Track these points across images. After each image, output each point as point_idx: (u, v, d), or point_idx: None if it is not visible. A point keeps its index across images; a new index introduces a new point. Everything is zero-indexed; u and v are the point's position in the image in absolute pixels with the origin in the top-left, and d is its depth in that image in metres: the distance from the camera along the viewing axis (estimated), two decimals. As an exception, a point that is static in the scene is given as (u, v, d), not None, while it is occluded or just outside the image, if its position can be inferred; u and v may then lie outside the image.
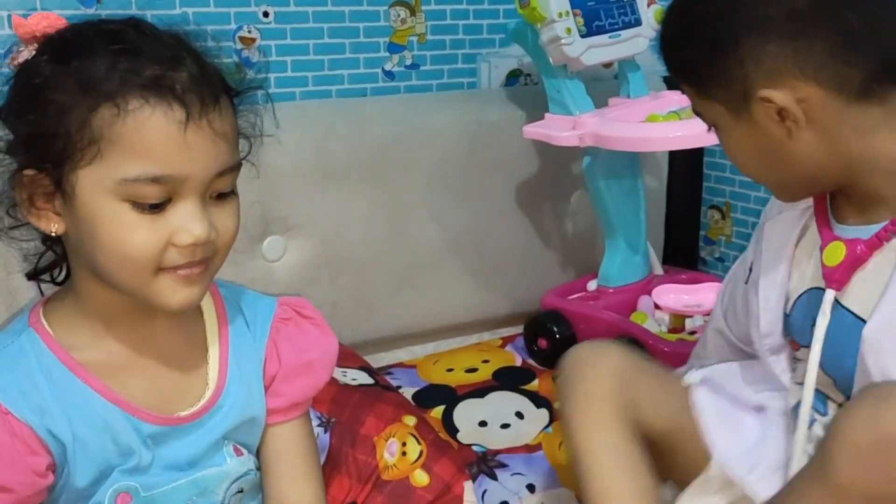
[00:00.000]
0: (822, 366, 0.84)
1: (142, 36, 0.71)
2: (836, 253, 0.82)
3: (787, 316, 0.90)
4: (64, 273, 0.81)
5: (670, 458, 0.99)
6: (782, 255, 0.89)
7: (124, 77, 0.67)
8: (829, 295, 0.82)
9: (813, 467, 0.78)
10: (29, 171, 0.70)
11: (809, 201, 0.88)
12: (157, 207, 0.69)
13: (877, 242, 0.79)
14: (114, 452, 0.76)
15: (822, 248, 0.84)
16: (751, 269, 0.95)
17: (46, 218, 0.72)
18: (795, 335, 0.89)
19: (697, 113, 0.88)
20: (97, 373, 0.75)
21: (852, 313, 0.81)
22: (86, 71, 0.68)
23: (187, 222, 0.70)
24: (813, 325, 0.84)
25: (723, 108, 0.82)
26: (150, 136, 0.68)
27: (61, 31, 0.73)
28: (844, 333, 0.81)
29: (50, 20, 0.72)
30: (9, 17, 1.29)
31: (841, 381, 0.84)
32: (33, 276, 0.82)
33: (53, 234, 0.72)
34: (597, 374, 0.97)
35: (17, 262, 0.81)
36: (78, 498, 0.76)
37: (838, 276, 0.81)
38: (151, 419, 0.77)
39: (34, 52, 0.71)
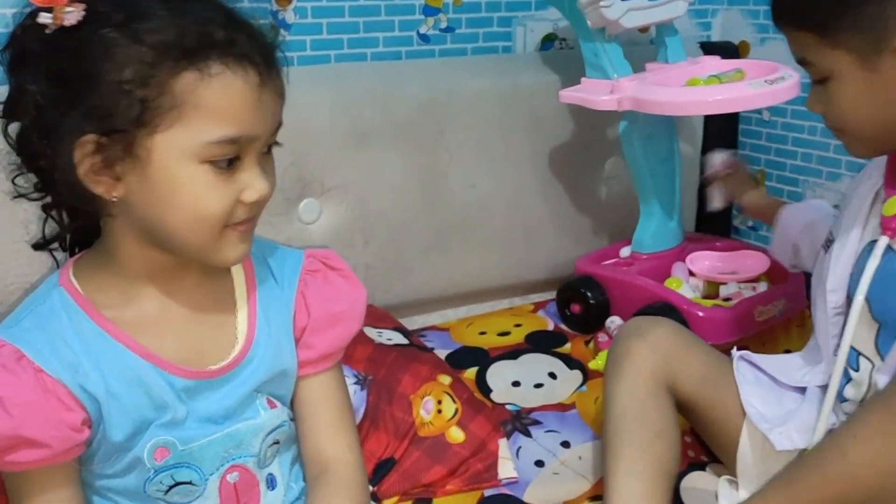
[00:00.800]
0: (870, 311, 0.89)
1: None
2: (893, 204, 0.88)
3: (851, 276, 0.93)
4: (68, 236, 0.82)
5: (707, 426, 1.06)
6: (856, 218, 0.94)
7: (200, 41, 0.68)
8: (883, 241, 0.88)
9: (830, 445, 0.83)
10: (92, 138, 0.69)
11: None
12: (230, 166, 0.71)
13: None
14: (148, 407, 0.77)
15: (884, 202, 0.90)
16: (830, 236, 1.00)
17: (105, 184, 0.71)
18: (852, 289, 0.92)
19: (805, 62, 0.88)
20: (128, 329, 0.77)
21: None
22: (157, 36, 0.68)
23: (254, 180, 0.73)
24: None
25: (849, 55, 0.83)
26: (232, 100, 0.69)
27: None
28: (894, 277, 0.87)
29: None
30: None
31: (888, 325, 0.88)
32: (40, 247, 0.83)
33: (113, 199, 0.72)
34: (642, 340, 1.04)
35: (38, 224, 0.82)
36: (116, 451, 0.78)
37: (894, 225, 0.87)
38: (183, 373, 0.79)
39: (83, 16, 0.69)
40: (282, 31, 0.78)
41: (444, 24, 1.60)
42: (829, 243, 0.99)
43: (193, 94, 0.68)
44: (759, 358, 1.06)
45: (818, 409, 0.95)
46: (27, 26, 0.72)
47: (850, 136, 0.90)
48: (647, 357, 1.03)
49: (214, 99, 0.69)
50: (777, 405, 1.00)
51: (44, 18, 0.69)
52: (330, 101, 1.40)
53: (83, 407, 0.74)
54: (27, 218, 1.18)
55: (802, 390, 1.01)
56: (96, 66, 0.68)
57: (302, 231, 1.43)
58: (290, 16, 1.45)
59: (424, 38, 1.59)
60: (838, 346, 0.93)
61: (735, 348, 1.08)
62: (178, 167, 0.70)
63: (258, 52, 0.71)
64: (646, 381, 1.01)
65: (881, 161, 0.96)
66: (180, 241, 0.74)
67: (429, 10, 1.58)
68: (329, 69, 1.47)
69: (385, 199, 1.48)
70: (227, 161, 0.71)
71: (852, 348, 0.91)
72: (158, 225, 0.73)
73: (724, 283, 1.47)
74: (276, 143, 0.77)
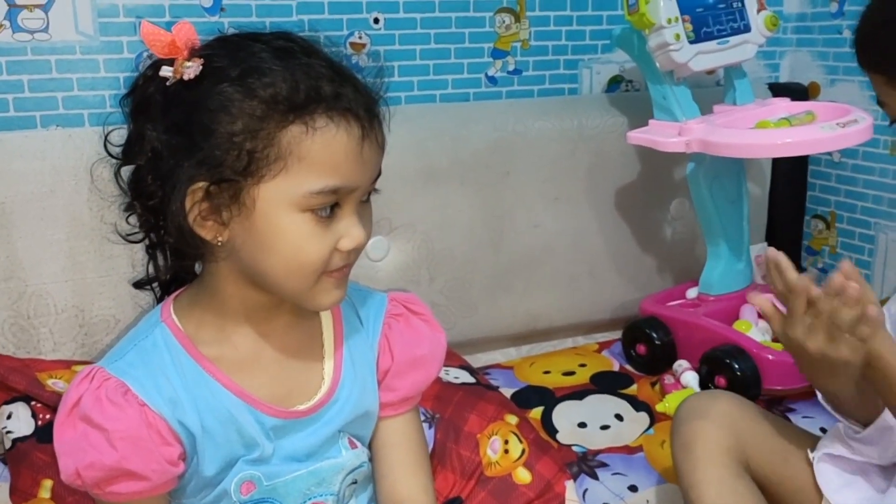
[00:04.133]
0: None
1: (303, 49, 0.74)
2: None
3: None
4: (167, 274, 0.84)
5: (777, 502, 1.02)
6: None
7: (308, 96, 0.71)
8: None
9: None
10: (202, 184, 0.72)
11: None
12: (329, 214, 0.74)
13: None
14: (238, 444, 0.79)
15: None
16: None
17: (211, 228, 0.74)
18: None
19: (882, 103, 0.94)
20: (223, 367, 0.79)
21: None
22: (269, 90, 0.71)
23: (351, 229, 0.75)
24: None
25: None
26: (335, 152, 0.72)
27: (216, 45, 0.75)
28: None
29: (190, 31, 0.74)
30: (135, 24, 1.36)
31: None
32: (141, 285, 0.85)
33: (218, 243, 0.75)
34: (709, 420, 1.01)
35: (144, 258, 0.84)
36: (206, 485, 0.80)
37: None
38: (273, 412, 0.80)
39: (201, 70, 0.72)
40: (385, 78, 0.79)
41: (511, 67, 1.63)
42: None
43: (298, 146, 0.71)
44: (839, 449, 0.99)
45: None
46: (149, 76, 0.75)
47: None
48: (718, 437, 0.99)
49: (318, 151, 0.71)
50: (864, 484, 0.97)
51: (165, 72, 0.73)
52: (399, 141, 1.39)
53: (180, 441, 0.76)
54: (114, 253, 1.24)
55: (884, 468, 0.97)
56: (212, 118, 0.71)
57: (370, 268, 1.46)
58: (363, 59, 1.49)
59: (492, 80, 1.62)
60: None
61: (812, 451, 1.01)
62: (280, 215, 0.72)
63: (362, 106, 0.73)
64: (726, 464, 0.98)
65: None
66: (279, 285, 0.76)
67: (497, 53, 1.61)
68: (399, 110, 1.50)
69: (451, 237, 1.51)
70: (328, 210, 0.74)
71: None
72: (259, 269, 0.75)
73: (794, 327, 1.45)
74: (375, 191, 0.79)
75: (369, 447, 0.90)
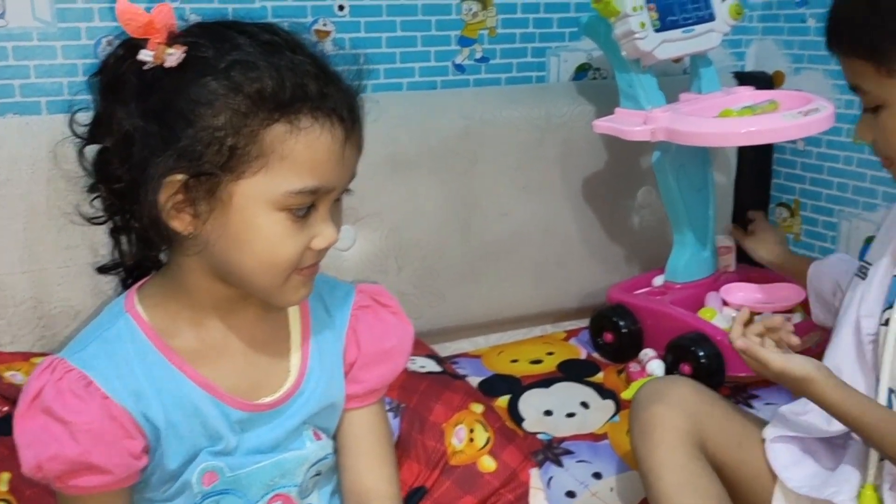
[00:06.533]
0: None
1: (289, 45, 0.72)
2: None
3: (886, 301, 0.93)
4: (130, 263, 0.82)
5: (733, 487, 1.03)
6: (890, 243, 0.95)
7: (294, 94, 0.70)
8: None
9: None
10: (180, 177, 0.71)
11: None
12: (305, 215, 0.73)
13: None
14: (203, 436, 0.79)
15: None
16: (865, 265, 1.00)
17: (183, 220, 0.73)
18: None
19: (859, 90, 0.90)
20: (189, 359, 0.78)
21: None
22: (255, 86, 0.69)
23: (325, 228, 0.75)
24: None
25: None
26: (317, 153, 0.71)
27: (198, 32, 0.72)
28: None
29: (170, 14, 0.72)
30: (103, 9, 1.33)
31: None
32: (105, 270, 0.83)
33: (189, 236, 0.73)
34: (666, 404, 1.02)
35: (106, 246, 0.83)
36: (168, 478, 0.79)
37: None
38: (239, 405, 0.80)
39: (183, 57, 0.70)
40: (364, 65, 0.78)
41: (479, 55, 1.62)
42: (863, 271, 0.99)
43: (282, 145, 0.70)
44: (791, 426, 1.02)
45: (859, 458, 0.94)
46: (120, 56, 0.73)
47: None
48: (675, 421, 1.01)
49: (301, 152, 0.70)
50: (813, 464, 1.00)
51: (145, 55, 0.71)
52: (366, 130, 1.39)
53: (144, 434, 0.75)
54: (73, 243, 1.22)
55: (834, 442, 1.00)
56: (195, 110, 0.70)
57: (337, 258, 1.45)
58: (328, 47, 1.48)
59: (460, 69, 1.61)
60: (877, 383, 0.91)
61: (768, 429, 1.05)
62: (257, 213, 0.72)
63: (346, 107, 0.73)
64: (683, 446, 0.99)
65: None
66: (249, 281, 0.75)
67: (464, 41, 1.60)
68: (366, 98, 1.49)
69: (419, 226, 1.50)
70: (304, 209, 0.73)
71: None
72: (230, 264, 0.75)
73: (759, 314, 1.47)
74: (348, 191, 0.79)
75: (334, 438, 0.90)
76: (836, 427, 0.96)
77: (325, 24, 1.48)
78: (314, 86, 0.71)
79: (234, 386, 0.80)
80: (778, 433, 1.01)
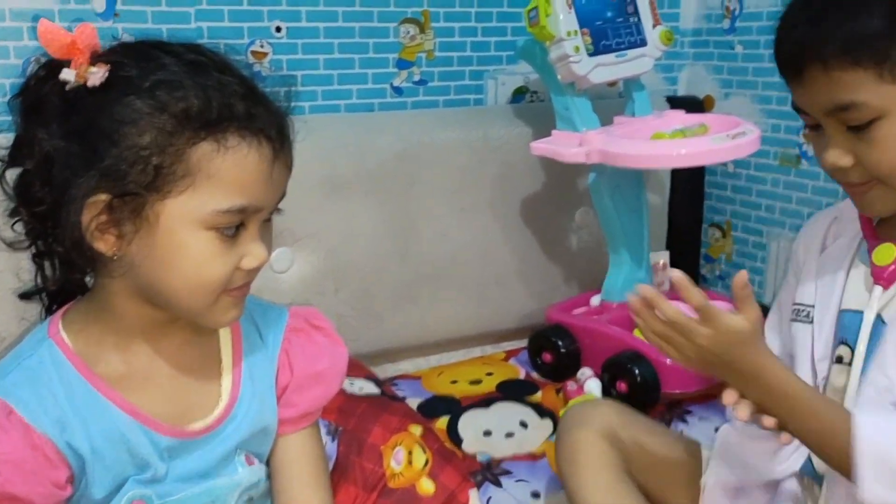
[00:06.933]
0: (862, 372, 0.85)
1: (216, 65, 0.72)
2: (888, 253, 0.85)
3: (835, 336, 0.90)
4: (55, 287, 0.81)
5: None
6: (836, 281, 0.90)
7: (221, 113, 0.69)
8: (877, 291, 0.85)
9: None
10: (103, 197, 0.69)
11: (857, 227, 0.90)
12: (234, 234, 0.72)
13: None
14: (130, 464, 0.77)
15: (870, 251, 0.86)
16: (800, 306, 0.94)
17: (107, 241, 0.72)
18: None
19: (850, 106, 0.78)
20: (116, 386, 0.76)
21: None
22: (181, 105, 0.69)
23: (254, 248, 0.74)
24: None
25: None
26: (245, 172, 0.71)
27: (122, 51, 0.72)
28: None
29: (92, 34, 0.71)
30: (32, 28, 1.31)
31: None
32: (28, 296, 0.82)
33: (114, 257, 0.72)
34: (589, 429, 1.02)
35: (29, 272, 0.81)
36: None
37: (887, 274, 0.84)
38: (167, 432, 0.78)
39: (106, 76, 0.69)
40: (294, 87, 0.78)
41: (417, 77, 1.63)
42: (802, 314, 0.93)
43: (208, 164, 0.69)
44: (732, 468, 1.00)
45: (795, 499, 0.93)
46: (42, 77, 0.72)
47: (889, 185, 0.81)
48: (598, 445, 1.01)
49: (228, 170, 0.70)
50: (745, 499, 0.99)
51: (67, 75, 0.70)
52: (303, 152, 1.37)
53: (68, 464, 0.73)
54: (18, 266, 1.18)
55: (771, 483, 0.97)
56: (118, 130, 0.69)
57: (273, 280, 1.43)
58: (265, 68, 1.48)
59: (398, 91, 1.62)
60: None
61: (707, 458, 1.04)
62: (184, 232, 0.71)
63: (274, 127, 0.73)
64: (609, 469, 0.99)
65: (825, 218, 0.96)
66: (177, 302, 0.74)
67: (402, 64, 1.61)
68: (303, 120, 1.48)
69: (357, 248, 1.50)
70: (233, 229, 0.72)
71: None
72: (157, 285, 0.73)
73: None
74: (279, 211, 0.78)
75: (267, 463, 0.89)
76: (782, 468, 0.94)
77: (262, 46, 1.47)
78: (241, 105, 0.71)
79: (162, 412, 0.78)
80: (717, 479, 1.01)
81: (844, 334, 0.88)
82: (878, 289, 0.85)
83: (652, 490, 1.03)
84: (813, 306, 0.92)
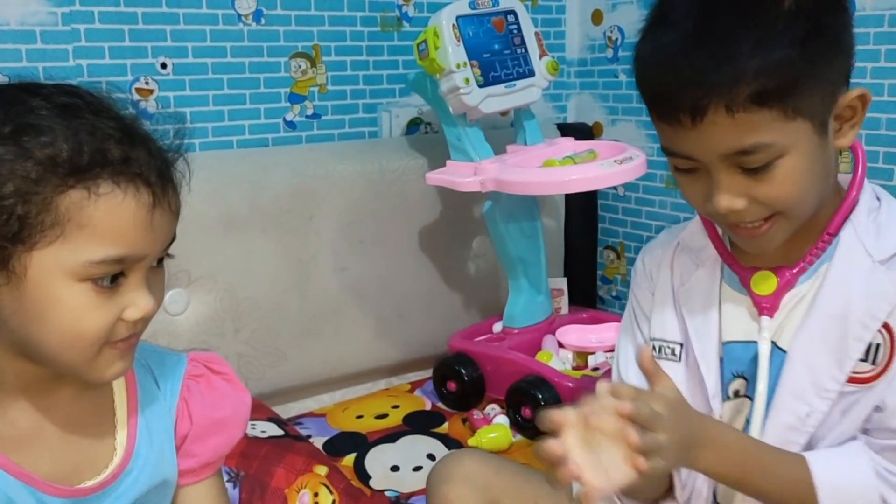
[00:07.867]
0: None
1: (90, 108, 0.68)
2: (768, 283, 0.82)
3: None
4: None
5: None
6: (709, 315, 0.86)
7: (93, 159, 0.66)
8: (765, 321, 0.82)
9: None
10: None
11: (711, 256, 0.88)
12: (112, 283, 0.68)
13: (805, 267, 0.81)
14: None
15: (746, 282, 0.83)
16: (668, 346, 0.90)
17: None
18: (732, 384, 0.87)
19: (755, 149, 0.71)
20: (1, 448, 0.72)
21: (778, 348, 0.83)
22: (47, 151, 0.65)
23: (138, 298, 0.70)
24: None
25: (807, 123, 0.72)
26: (121, 220, 0.67)
27: None
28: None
29: None
30: None
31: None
32: None
33: None
34: (455, 482, 1.01)
35: None
36: None
37: (768, 304, 0.82)
38: (57, 492, 0.74)
39: None
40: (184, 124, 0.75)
41: (310, 111, 1.62)
42: (662, 350, 0.88)
43: (79, 212, 0.66)
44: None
45: None
46: None
47: (791, 216, 0.77)
48: (466, 499, 1.00)
49: (101, 219, 0.66)
50: None
51: None
52: (196, 190, 1.34)
53: None
54: None
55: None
56: None
57: (169, 323, 1.39)
58: (151, 105, 1.44)
59: (291, 125, 1.61)
60: None
61: None
62: (56, 285, 0.67)
63: (154, 171, 0.69)
64: None
65: (667, 247, 0.93)
66: (54, 357, 0.70)
67: (294, 98, 1.60)
68: (194, 158, 1.44)
69: (255, 285, 1.47)
70: (110, 278, 0.68)
71: None
72: (31, 340, 0.69)
73: (592, 353, 1.53)
74: (169, 256, 0.75)
75: (168, 517, 0.85)
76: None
77: (147, 83, 1.43)
78: (117, 150, 0.68)
79: (51, 471, 0.74)
80: None
81: (736, 367, 0.86)
82: (766, 319, 0.82)
83: None
84: (680, 344, 0.87)
